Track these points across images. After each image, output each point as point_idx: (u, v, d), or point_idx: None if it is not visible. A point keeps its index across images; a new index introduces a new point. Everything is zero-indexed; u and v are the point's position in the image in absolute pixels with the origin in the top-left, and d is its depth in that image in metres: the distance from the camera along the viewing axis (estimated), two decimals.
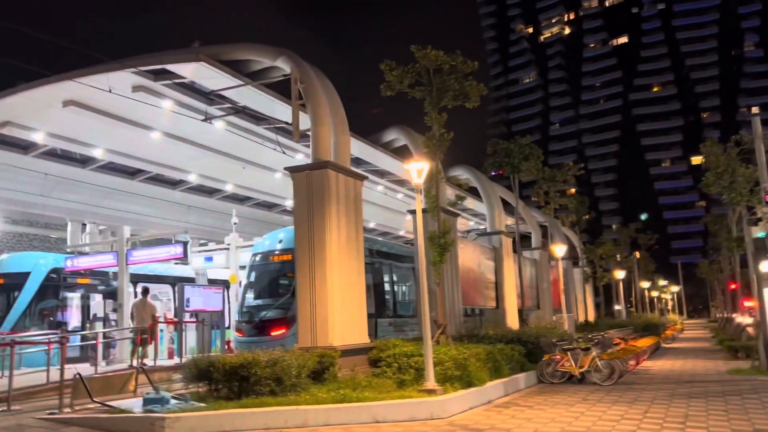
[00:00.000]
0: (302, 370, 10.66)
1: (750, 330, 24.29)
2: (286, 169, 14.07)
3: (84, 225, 24.50)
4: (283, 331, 16.14)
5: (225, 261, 22.85)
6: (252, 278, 18.14)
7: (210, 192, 25.26)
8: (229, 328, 22.33)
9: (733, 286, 34.53)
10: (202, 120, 15.97)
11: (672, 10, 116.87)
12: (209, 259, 23.34)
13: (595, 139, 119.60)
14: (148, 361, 16.43)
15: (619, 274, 41.95)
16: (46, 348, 14.93)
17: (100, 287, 21.86)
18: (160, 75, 14.79)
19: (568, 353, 15.87)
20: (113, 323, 20.47)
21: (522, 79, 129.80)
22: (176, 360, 18.26)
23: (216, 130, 17.38)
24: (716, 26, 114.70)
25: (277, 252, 17.82)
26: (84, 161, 20.33)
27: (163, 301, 22.78)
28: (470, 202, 26.26)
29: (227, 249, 22.72)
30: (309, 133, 13.86)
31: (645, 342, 24.26)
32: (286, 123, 15.86)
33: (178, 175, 22.68)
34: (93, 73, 14.32)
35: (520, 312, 23.76)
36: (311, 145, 13.67)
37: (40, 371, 14.02)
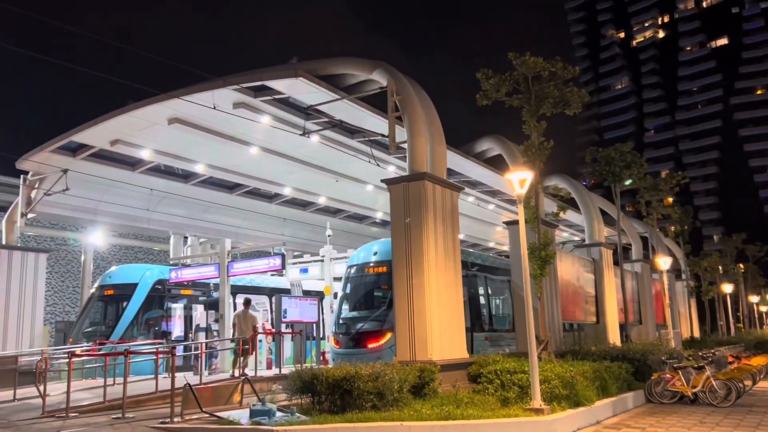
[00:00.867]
0: (403, 385, 10.48)
1: None
2: (383, 181, 14.02)
3: (185, 238, 25.44)
4: (379, 343, 16.08)
5: (319, 272, 23.10)
6: (348, 290, 18.22)
7: (304, 205, 25.71)
8: (323, 339, 22.54)
9: None
10: (300, 134, 16.20)
11: None
12: (304, 270, 23.67)
13: (694, 145, 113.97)
14: (249, 372, 16.73)
15: (726, 288, 39.57)
16: (155, 357, 15.48)
17: (202, 298, 22.54)
18: (259, 91, 15.16)
19: (679, 372, 14.99)
20: (215, 333, 21.04)
21: (614, 85, 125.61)
22: (275, 370, 18.53)
23: (310, 143, 17.64)
24: None
25: (372, 264, 17.82)
26: (186, 176, 21.13)
27: (260, 312, 23.25)
28: (565, 213, 25.49)
29: (321, 261, 22.96)
30: (404, 145, 13.78)
31: (760, 360, 22.62)
32: (381, 135, 15.87)
33: (274, 189, 23.19)
34: (197, 91, 14.83)
35: (622, 327, 22.75)
36: (408, 157, 13.57)
37: (147, 379, 14.58)
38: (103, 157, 18.69)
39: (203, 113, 15.53)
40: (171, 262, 24.83)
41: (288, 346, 22.20)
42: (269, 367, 20.14)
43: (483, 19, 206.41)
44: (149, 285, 21.14)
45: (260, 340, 19.61)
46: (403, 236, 12.92)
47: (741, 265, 51.58)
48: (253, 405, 9.62)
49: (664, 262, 24.01)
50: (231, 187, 22.71)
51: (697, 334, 36.96)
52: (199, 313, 22.12)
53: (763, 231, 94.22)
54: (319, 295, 23.29)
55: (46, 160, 17.89)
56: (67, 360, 12.68)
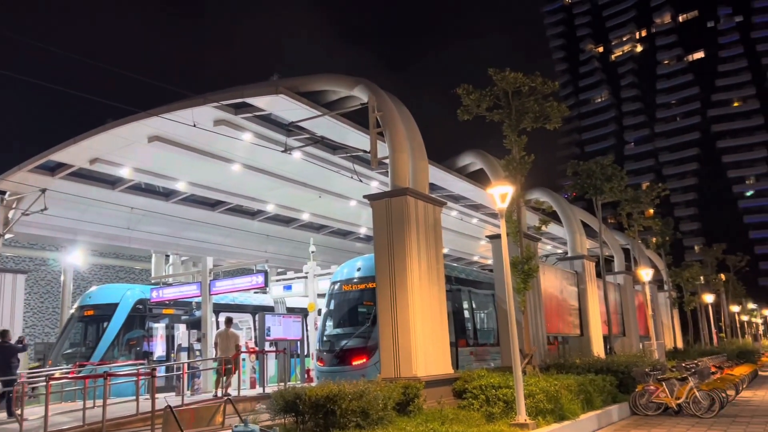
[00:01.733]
0: (388, 402, 10.37)
1: None
2: (365, 197, 14.00)
3: (167, 256, 25.20)
4: (364, 360, 15.94)
5: (303, 289, 22.96)
6: (332, 306, 18.08)
7: (287, 221, 25.61)
8: (308, 356, 22.36)
9: None
10: (282, 151, 16.15)
11: (751, 22, 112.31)
12: (288, 287, 23.52)
13: (673, 157, 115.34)
14: (232, 391, 16.52)
15: (708, 298, 39.88)
16: (135, 379, 15.23)
17: (184, 317, 22.29)
18: (240, 108, 15.11)
19: (663, 383, 15.05)
20: (197, 353, 20.79)
21: (594, 98, 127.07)
22: (259, 390, 18.33)
23: (293, 160, 17.58)
24: None
25: (356, 280, 17.71)
26: (167, 194, 20.96)
27: (243, 330, 23.04)
28: (547, 226, 25.62)
29: (305, 277, 22.84)
30: (386, 160, 13.78)
31: (742, 370, 22.86)
32: (363, 151, 15.86)
33: (257, 206, 23.08)
34: (177, 108, 14.77)
35: (606, 339, 22.81)
36: (390, 173, 13.57)
37: (128, 401, 14.33)
38: (82, 176, 18.48)
39: (184, 131, 15.44)
40: (152, 281, 24.57)
41: (272, 365, 21.98)
42: (253, 386, 19.93)
43: (463, 34, 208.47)
44: (130, 305, 20.88)
45: (243, 359, 19.40)
46: (387, 252, 12.87)
47: (722, 275, 52.09)
48: (236, 426, 9.43)
49: (646, 273, 24.16)
50: (213, 205, 22.55)
51: (680, 344, 37.20)
52: (181, 332, 21.86)
53: (743, 241, 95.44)
54: (303, 312, 23.12)
55: (24, 179, 17.64)
56: (45, 383, 12.44)
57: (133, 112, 15.15)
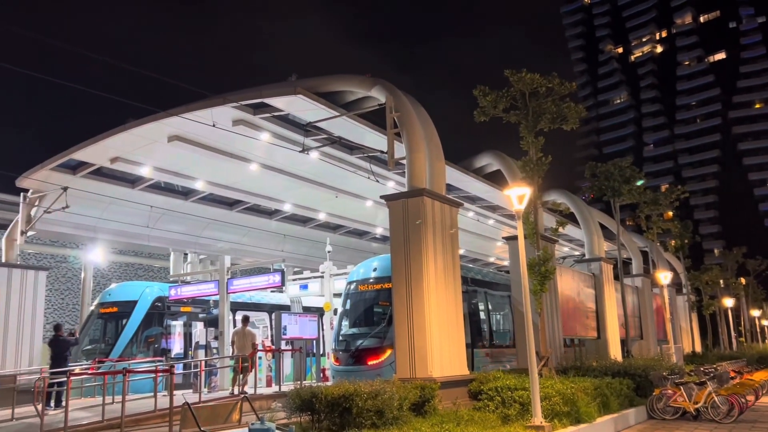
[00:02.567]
0: (403, 403, 10.40)
1: None
2: (382, 197, 14.03)
3: (185, 255, 25.41)
4: (379, 360, 15.99)
5: (319, 289, 23.04)
6: (348, 306, 18.16)
7: (304, 221, 25.71)
8: (324, 355, 22.44)
9: None
10: (299, 151, 16.24)
11: None
12: (304, 287, 23.61)
13: (693, 159, 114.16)
14: (249, 389, 16.64)
15: (728, 302, 39.45)
16: (154, 375, 15.39)
17: (201, 315, 22.47)
18: (258, 108, 15.21)
19: (681, 387, 14.92)
20: (214, 351, 20.94)
21: (613, 99, 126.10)
22: (275, 388, 18.43)
23: (310, 160, 17.66)
24: None
25: (372, 280, 17.77)
26: (186, 193, 21.14)
27: (260, 328, 23.17)
28: (564, 228, 25.51)
29: (321, 277, 22.91)
30: (403, 161, 13.81)
31: (763, 375, 22.56)
32: (380, 151, 15.90)
33: (274, 205, 23.20)
34: (197, 108, 14.89)
35: (623, 342, 22.65)
36: (407, 173, 13.59)
37: (146, 397, 14.48)
38: (103, 174, 18.71)
39: (203, 130, 15.57)
40: (171, 279, 24.79)
41: (288, 363, 22.09)
42: (269, 384, 20.03)
43: (481, 34, 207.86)
44: (149, 302, 21.09)
45: (260, 358, 19.52)
46: (403, 252, 12.90)
47: (742, 279, 51.49)
48: (252, 424, 9.51)
49: (664, 276, 23.93)
50: (231, 204, 22.72)
51: (698, 348, 36.81)
52: (198, 330, 22.03)
53: (764, 245, 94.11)
54: (319, 312, 23.22)
55: (46, 178, 17.91)
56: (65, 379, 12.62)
57: (153, 112, 15.33)
